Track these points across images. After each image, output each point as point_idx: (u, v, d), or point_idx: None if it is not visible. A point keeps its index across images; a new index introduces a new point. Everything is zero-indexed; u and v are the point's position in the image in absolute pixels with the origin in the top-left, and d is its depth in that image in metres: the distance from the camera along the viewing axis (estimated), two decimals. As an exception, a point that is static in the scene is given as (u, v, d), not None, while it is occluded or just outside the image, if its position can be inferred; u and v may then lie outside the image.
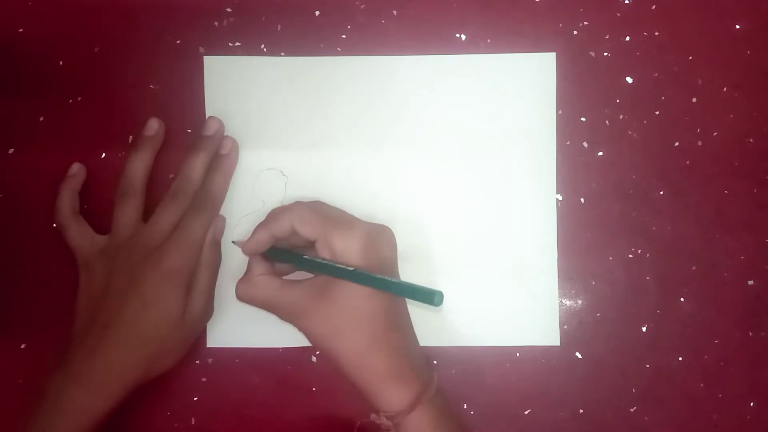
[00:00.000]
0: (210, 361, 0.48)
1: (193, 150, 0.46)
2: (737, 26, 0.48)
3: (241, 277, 0.44)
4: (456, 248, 0.48)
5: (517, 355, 0.48)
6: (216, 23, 0.48)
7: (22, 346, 0.47)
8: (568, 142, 0.48)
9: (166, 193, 0.46)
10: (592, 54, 0.48)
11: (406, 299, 0.45)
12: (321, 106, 0.48)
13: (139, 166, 0.46)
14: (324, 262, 0.42)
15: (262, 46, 0.48)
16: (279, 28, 0.48)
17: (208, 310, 0.46)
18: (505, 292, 0.48)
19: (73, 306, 0.45)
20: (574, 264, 0.48)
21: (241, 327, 0.47)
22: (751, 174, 0.48)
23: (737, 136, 0.48)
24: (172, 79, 0.48)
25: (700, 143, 0.48)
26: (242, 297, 0.44)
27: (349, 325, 0.41)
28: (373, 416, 0.42)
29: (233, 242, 0.46)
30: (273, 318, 0.44)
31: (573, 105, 0.48)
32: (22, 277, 0.48)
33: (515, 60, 0.48)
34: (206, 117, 0.47)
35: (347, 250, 0.41)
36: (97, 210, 0.47)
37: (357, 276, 0.40)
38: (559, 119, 0.48)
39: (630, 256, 0.48)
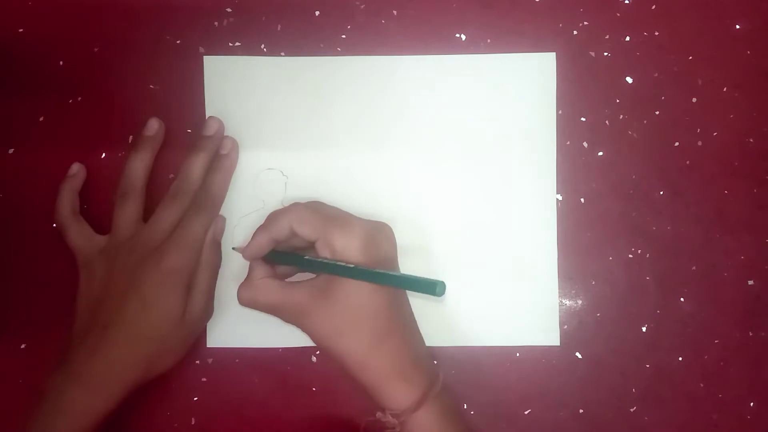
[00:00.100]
0: (210, 361, 0.48)
1: (193, 150, 0.46)
2: (737, 26, 0.48)
3: (242, 281, 0.44)
4: (456, 248, 0.48)
5: (517, 355, 0.48)
6: (216, 23, 0.48)
7: (22, 346, 0.47)
8: (568, 142, 0.48)
9: (166, 193, 0.46)
10: (592, 54, 0.48)
11: (410, 295, 0.45)
12: (321, 106, 0.48)
13: (139, 166, 0.46)
14: (325, 261, 0.42)
15: (262, 46, 0.48)
16: (279, 28, 0.48)
17: (208, 310, 0.46)
18: (505, 292, 0.48)
19: (73, 306, 0.45)
20: (574, 264, 0.48)
21: (241, 327, 0.47)
22: (751, 174, 0.48)
23: (737, 136, 0.48)
24: (172, 79, 0.48)
25: (700, 143, 0.48)
26: (244, 301, 0.44)
27: (352, 323, 0.41)
28: (378, 415, 0.42)
29: (234, 249, 0.46)
30: (273, 318, 0.44)
31: (573, 105, 0.48)
32: (22, 277, 0.48)
33: (515, 60, 0.48)
34: (206, 117, 0.47)
35: (347, 247, 0.41)
36: (97, 210, 0.47)
37: (358, 272, 0.40)
38: (559, 119, 0.48)
39: (630, 256, 0.48)
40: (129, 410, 0.44)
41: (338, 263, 0.41)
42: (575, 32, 0.48)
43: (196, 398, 0.48)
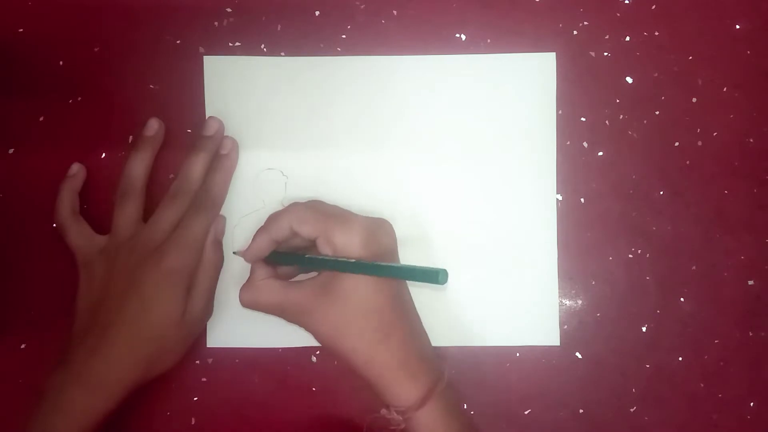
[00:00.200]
0: (210, 361, 0.48)
1: (193, 150, 0.46)
2: (737, 26, 0.48)
3: (243, 283, 0.44)
4: (456, 248, 0.48)
5: (517, 355, 0.48)
6: (216, 23, 0.48)
7: (22, 346, 0.47)
8: (568, 142, 0.48)
9: (166, 193, 0.46)
10: (592, 54, 0.48)
11: (416, 294, 0.45)
12: (321, 106, 0.48)
13: (139, 166, 0.46)
14: (326, 258, 0.42)
15: (262, 46, 0.48)
16: (279, 28, 0.48)
17: (208, 310, 0.46)
18: (505, 292, 0.48)
19: (73, 306, 0.45)
20: (574, 264, 0.48)
21: (241, 327, 0.47)
22: (751, 174, 0.48)
23: (737, 136, 0.48)
24: (172, 79, 0.48)
25: (700, 143, 0.48)
26: (246, 303, 0.44)
27: (355, 319, 0.41)
28: (383, 411, 0.42)
29: (234, 253, 0.46)
30: (273, 318, 0.44)
31: (573, 105, 0.48)
32: (22, 277, 0.48)
33: (515, 60, 0.48)
34: (206, 117, 0.47)
35: (348, 243, 0.41)
36: (97, 210, 0.47)
37: (360, 266, 0.40)
38: (559, 119, 0.48)
39: (630, 256, 0.48)
40: (129, 410, 0.44)
41: (340, 259, 0.41)
42: (575, 32, 0.48)
43: (196, 398, 0.48)
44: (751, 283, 0.48)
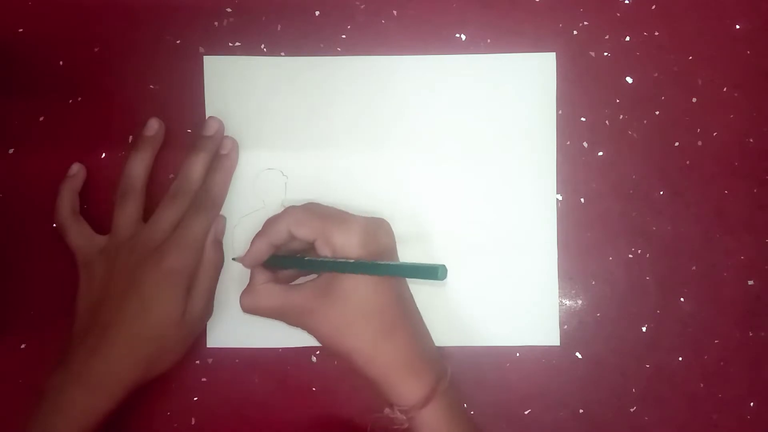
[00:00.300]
0: (210, 361, 0.48)
1: (193, 150, 0.46)
2: (737, 26, 0.48)
3: (244, 286, 0.44)
4: (456, 248, 0.48)
5: (517, 355, 0.48)
6: (216, 23, 0.48)
7: (22, 346, 0.47)
8: (568, 142, 0.48)
9: (166, 193, 0.46)
10: (592, 54, 0.48)
11: (415, 294, 0.45)
12: (321, 106, 0.48)
13: (139, 166, 0.46)
14: (325, 259, 0.42)
15: (262, 46, 0.48)
16: (279, 28, 0.48)
17: (208, 311, 0.46)
18: (505, 292, 0.48)
19: (73, 306, 0.45)
20: (574, 264, 0.48)
21: (241, 327, 0.47)
22: (751, 174, 0.48)
23: (737, 136, 0.48)
24: (172, 79, 0.48)
25: (700, 143, 0.48)
26: (247, 308, 0.44)
27: (357, 319, 0.41)
28: (387, 411, 0.42)
29: (233, 259, 0.46)
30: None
31: (573, 105, 0.48)
32: (22, 277, 0.48)
33: (515, 60, 0.48)
34: (206, 117, 0.47)
35: (347, 244, 0.41)
36: (97, 210, 0.47)
37: (359, 266, 0.40)
38: (559, 119, 0.48)
39: (630, 256, 0.48)
40: (129, 410, 0.44)
41: (339, 260, 0.41)
42: (575, 32, 0.48)
43: (196, 398, 0.48)
44: (751, 283, 0.48)
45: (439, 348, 0.47)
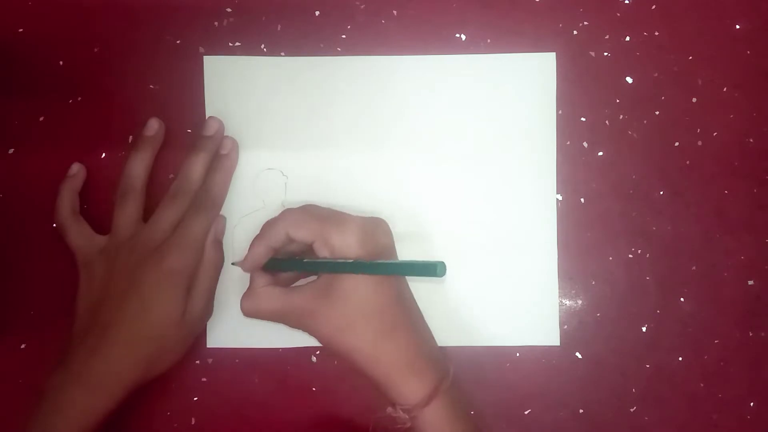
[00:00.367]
0: (210, 361, 0.48)
1: (193, 150, 0.46)
2: (737, 26, 0.48)
3: (244, 292, 0.44)
4: (456, 248, 0.48)
5: (517, 355, 0.48)
6: (216, 23, 0.48)
7: (22, 346, 0.47)
8: (568, 142, 0.48)
9: (166, 193, 0.46)
10: (592, 54, 0.48)
11: (415, 294, 0.45)
12: (321, 106, 0.48)
13: (139, 166, 0.46)
14: (324, 260, 0.42)
15: (262, 46, 0.48)
16: (279, 28, 0.48)
17: (208, 310, 0.46)
18: (505, 292, 0.48)
19: (73, 306, 0.45)
20: (574, 264, 0.48)
21: (241, 327, 0.47)
22: (751, 174, 0.48)
23: (737, 136, 0.48)
24: (172, 79, 0.48)
25: (700, 143, 0.48)
26: (248, 312, 0.44)
27: (357, 319, 0.41)
28: (389, 410, 0.42)
29: (233, 264, 0.46)
30: (273, 318, 0.44)
31: (573, 105, 0.48)
32: (22, 277, 0.48)
33: (515, 60, 0.48)
34: (206, 117, 0.47)
35: (345, 244, 0.41)
36: (97, 210, 0.47)
37: (358, 266, 0.40)
38: (559, 119, 0.48)
39: (630, 256, 0.48)
40: (129, 410, 0.44)
41: (338, 260, 0.41)
42: (575, 32, 0.48)
43: (196, 398, 0.48)
44: (751, 283, 0.48)
45: (440, 348, 0.47)
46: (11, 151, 0.48)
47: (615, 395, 0.48)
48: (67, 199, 0.46)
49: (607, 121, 0.48)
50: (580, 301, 0.48)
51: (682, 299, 0.48)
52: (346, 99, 0.48)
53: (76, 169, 0.47)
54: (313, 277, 0.44)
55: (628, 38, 0.48)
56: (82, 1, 0.48)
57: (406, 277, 0.45)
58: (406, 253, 0.46)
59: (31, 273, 0.48)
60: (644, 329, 0.48)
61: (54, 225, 0.47)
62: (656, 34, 0.48)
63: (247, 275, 0.45)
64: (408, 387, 0.41)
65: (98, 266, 0.44)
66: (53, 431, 0.41)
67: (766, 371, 0.48)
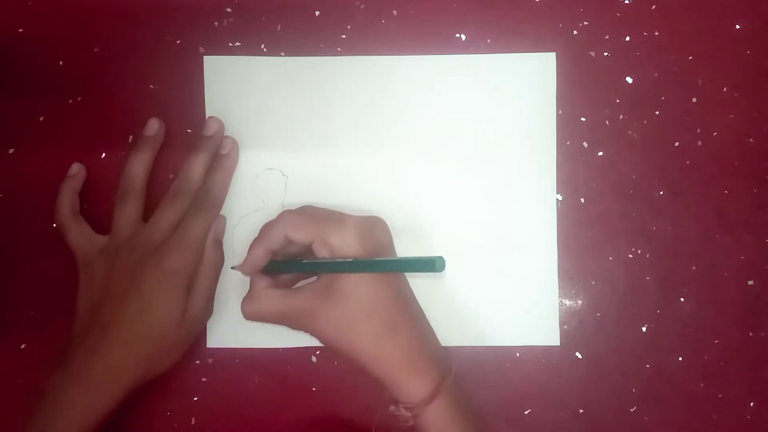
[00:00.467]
0: (210, 361, 0.48)
1: (193, 150, 0.46)
2: (737, 26, 0.48)
3: (244, 295, 0.44)
4: (456, 248, 0.48)
5: (517, 355, 0.48)
6: (216, 23, 0.48)
7: (22, 346, 0.47)
8: (568, 142, 0.48)
9: (166, 193, 0.46)
10: (592, 54, 0.48)
11: (415, 293, 0.45)
12: (321, 106, 0.48)
13: (139, 166, 0.46)
14: (324, 260, 0.42)
15: (262, 46, 0.48)
16: (279, 28, 0.48)
17: (208, 310, 0.46)
18: (505, 292, 0.48)
19: (73, 306, 0.45)
20: (574, 264, 0.48)
21: (241, 327, 0.47)
22: (751, 174, 0.48)
23: (737, 136, 0.48)
24: (172, 79, 0.48)
25: (700, 143, 0.48)
26: (249, 314, 0.44)
27: (359, 318, 0.41)
28: (392, 408, 0.42)
29: (232, 267, 0.46)
30: (273, 318, 0.44)
31: (573, 105, 0.48)
32: (22, 277, 0.48)
33: (515, 60, 0.48)
34: (206, 117, 0.47)
35: (344, 243, 0.41)
36: (97, 210, 0.47)
37: (358, 265, 0.40)
38: (559, 119, 0.48)
39: (630, 256, 0.48)
40: (129, 410, 0.44)
41: (337, 260, 0.41)
42: (575, 32, 0.48)
43: (196, 398, 0.48)
44: (751, 283, 0.48)
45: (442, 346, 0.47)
46: (11, 151, 0.48)
47: (615, 395, 0.48)
48: (67, 199, 0.46)
49: (607, 121, 0.48)
50: (580, 301, 0.48)
51: (682, 299, 0.48)
52: (346, 99, 0.48)
53: (76, 169, 0.47)
54: (313, 278, 0.44)
55: (628, 38, 0.48)
56: (82, 1, 0.48)
57: (406, 274, 0.45)
58: (406, 253, 0.46)
59: (31, 273, 0.48)
60: (644, 329, 0.48)
61: (54, 225, 0.47)
62: (656, 34, 0.48)
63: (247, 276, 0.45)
64: (410, 385, 0.41)
65: (98, 266, 0.44)
66: (53, 431, 0.41)
67: (766, 371, 0.48)
